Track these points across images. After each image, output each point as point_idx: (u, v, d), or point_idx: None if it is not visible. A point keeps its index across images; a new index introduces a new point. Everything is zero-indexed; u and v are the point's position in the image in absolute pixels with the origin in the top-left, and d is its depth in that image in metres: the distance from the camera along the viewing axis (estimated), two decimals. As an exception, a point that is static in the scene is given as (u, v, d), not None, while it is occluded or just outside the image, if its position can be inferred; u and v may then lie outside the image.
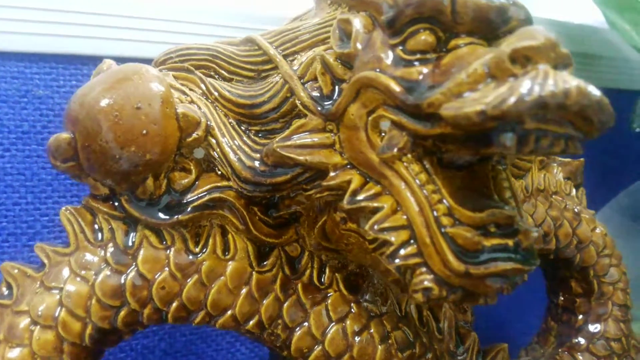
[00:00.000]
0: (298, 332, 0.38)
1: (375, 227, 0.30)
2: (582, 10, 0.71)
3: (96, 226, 0.36)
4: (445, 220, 0.29)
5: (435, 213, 0.29)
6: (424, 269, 0.29)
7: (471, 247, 0.28)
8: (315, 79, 0.34)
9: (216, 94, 0.36)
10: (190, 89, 0.37)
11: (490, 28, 0.29)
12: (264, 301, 0.37)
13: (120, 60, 0.37)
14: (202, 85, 0.37)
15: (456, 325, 0.44)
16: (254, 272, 0.37)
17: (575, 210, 0.47)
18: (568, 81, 0.24)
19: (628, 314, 0.47)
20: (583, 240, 0.46)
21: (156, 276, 0.35)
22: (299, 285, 0.38)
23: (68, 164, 0.33)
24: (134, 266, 0.35)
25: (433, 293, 0.29)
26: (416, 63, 0.29)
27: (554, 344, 0.48)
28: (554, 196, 0.46)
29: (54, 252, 0.35)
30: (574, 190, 0.48)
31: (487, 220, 0.29)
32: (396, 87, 0.29)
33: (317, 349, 0.37)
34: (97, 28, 0.50)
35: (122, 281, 0.35)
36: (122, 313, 0.35)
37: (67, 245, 0.35)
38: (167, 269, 0.35)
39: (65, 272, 0.35)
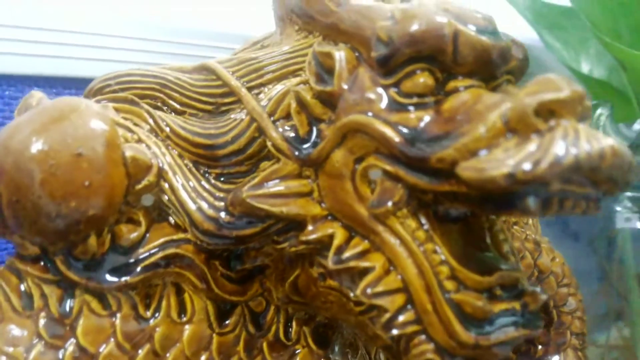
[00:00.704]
0: (264, 398, 0.33)
1: (368, 291, 0.27)
2: (518, 29, 0.71)
3: (24, 292, 0.29)
4: (449, 285, 0.26)
5: (438, 276, 0.26)
6: (423, 338, 0.26)
7: (480, 315, 0.25)
8: (286, 117, 0.30)
9: (168, 130, 0.31)
10: (136, 124, 0.31)
11: (490, 69, 0.26)
12: (227, 366, 0.32)
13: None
14: (150, 120, 0.31)
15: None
16: (214, 335, 0.32)
17: (535, 239, 0.46)
18: (601, 140, 0.22)
19: (585, 342, 0.47)
20: (544, 271, 0.45)
21: (100, 349, 0.29)
22: (264, 344, 0.34)
23: (-11, 222, 0.27)
24: (72, 339, 0.29)
25: (435, 365, 0.26)
26: (412, 107, 0.26)
27: (515, 376, 0.46)
28: (514, 227, 0.45)
29: (-31, 326, 0.29)
30: (530, 219, 0.47)
31: (495, 284, 0.26)
32: (394, 136, 0.25)
33: (287, 416, 0.33)
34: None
35: (60, 357, 0.29)
36: None
37: (-14, 317, 0.29)
38: (112, 339, 0.30)
39: (-15, 351, 0.28)
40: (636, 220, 0.62)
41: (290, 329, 0.35)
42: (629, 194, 0.60)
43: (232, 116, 0.31)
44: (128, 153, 0.28)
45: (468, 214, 0.28)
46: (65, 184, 0.26)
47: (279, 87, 0.31)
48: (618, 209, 0.63)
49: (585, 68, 0.68)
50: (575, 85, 0.23)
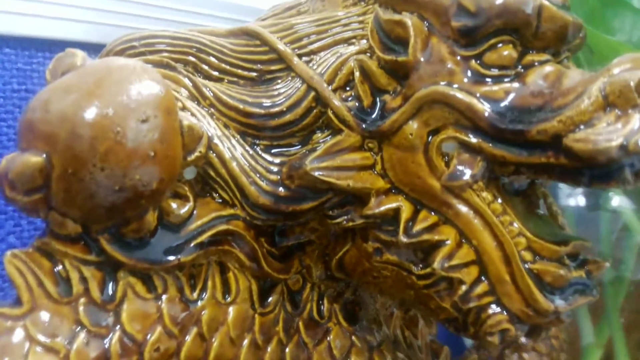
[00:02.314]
0: (302, 377, 0.32)
1: (445, 264, 0.27)
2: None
3: (59, 276, 0.26)
4: (526, 256, 0.26)
5: (516, 247, 0.26)
6: (497, 309, 0.27)
7: (559, 283, 0.26)
8: (343, 87, 0.29)
9: (212, 97, 0.29)
10: (174, 90, 0.29)
11: (562, 45, 0.27)
12: (268, 347, 0.31)
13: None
14: (191, 86, 0.29)
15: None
16: (256, 315, 0.30)
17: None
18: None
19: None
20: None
21: (148, 336, 0.27)
22: (300, 323, 0.33)
23: (33, 197, 0.24)
24: (118, 326, 0.26)
25: (509, 334, 0.27)
26: (492, 80, 0.26)
27: (501, 345, 0.49)
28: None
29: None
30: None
31: (567, 253, 0.27)
32: (483, 109, 0.25)
33: (324, 392, 0.33)
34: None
35: (105, 347, 0.26)
36: None
37: (18, 303, 0.25)
38: (159, 324, 0.27)
39: (20, 342, 0.25)
40: (578, 196, 0.64)
41: (322, 307, 0.34)
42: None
43: (283, 84, 0.29)
44: (185, 121, 0.26)
45: (525, 185, 0.29)
46: (130, 154, 0.23)
47: (331, 56, 0.29)
48: (560, 184, 0.66)
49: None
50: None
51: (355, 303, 0.35)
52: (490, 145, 0.26)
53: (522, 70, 0.26)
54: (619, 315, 0.56)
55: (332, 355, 0.33)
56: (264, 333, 0.31)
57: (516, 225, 0.27)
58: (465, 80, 0.26)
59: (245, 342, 0.30)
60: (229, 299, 0.29)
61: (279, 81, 0.30)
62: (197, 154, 0.27)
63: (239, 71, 0.30)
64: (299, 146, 0.29)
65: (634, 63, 0.24)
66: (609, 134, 0.22)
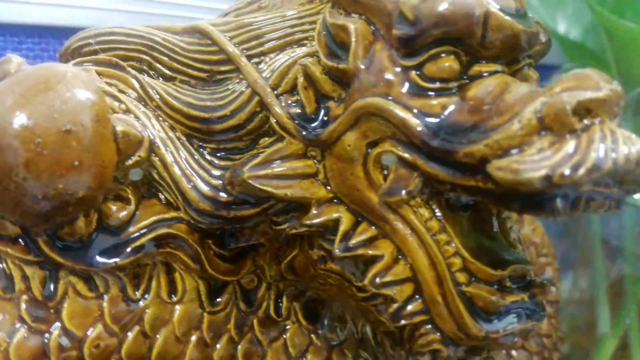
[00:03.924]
0: (254, 374, 0.33)
1: (377, 280, 0.26)
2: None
3: (3, 273, 0.27)
4: (461, 277, 0.25)
5: (450, 269, 0.25)
6: (429, 327, 0.26)
7: (492, 309, 0.25)
8: (291, 92, 0.28)
9: (158, 99, 0.28)
10: (121, 91, 0.29)
11: (516, 54, 0.25)
12: (217, 345, 0.31)
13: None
14: (138, 87, 0.29)
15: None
16: (205, 314, 0.31)
17: (516, 209, 0.46)
18: (636, 144, 0.21)
19: (558, 309, 0.48)
20: (524, 242, 0.45)
21: (88, 332, 0.28)
22: (255, 321, 0.33)
23: (-37, 203, 0.24)
24: (57, 323, 0.27)
25: (441, 355, 0.26)
26: (433, 93, 0.25)
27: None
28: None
29: (-58, 311, 0.26)
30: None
31: (506, 276, 0.25)
32: (417, 125, 0.24)
33: (276, 390, 0.33)
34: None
35: (45, 342, 0.27)
36: None
37: (-39, 301, 0.27)
38: (100, 322, 0.28)
39: (-38, 337, 0.26)
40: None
41: (280, 305, 0.34)
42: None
43: (230, 87, 0.29)
44: (119, 127, 0.26)
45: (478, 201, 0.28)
46: (52, 164, 0.24)
47: (282, 58, 0.28)
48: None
49: (561, 28, 0.68)
50: (613, 84, 0.22)
51: (317, 301, 0.35)
52: (424, 162, 0.24)
53: (468, 82, 0.25)
54: (637, 308, 0.55)
55: (287, 353, 0.34)
56: (213, 331, 0.31)
57: (453, 244, 0.26)
58: (404, 92, 0.25)
59: (193, 339, 0.31)
60: (175, 299, 0.30)
61: (229, 83, 0.29)
62: (136, 158, 0.27)
63: (190, 71, 0.29)
64: (246, 150, 0.29)
65: (577, 82, 0.22)
66: (534, 163, 0.21)
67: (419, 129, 0.24)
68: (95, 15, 0.42)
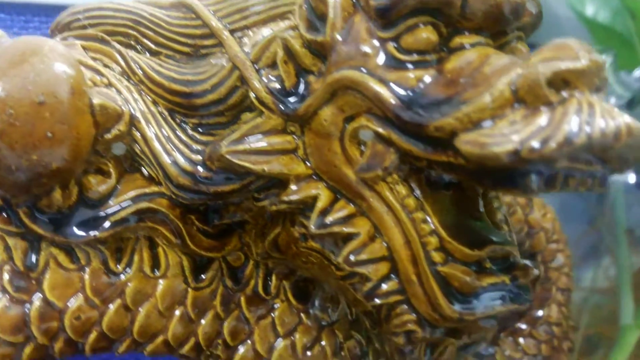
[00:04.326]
0: (241, 351, 0.33)
1: (351, 258, 0.26)
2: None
3: (-16, 244, 0.28)
4: (436, 257, 0.24)
5: (425, 247, 0.24)
6: (405, 307, 0.25)
7: (467, 290, 0.24)
8: (271, 66, 0.27)
9: (141, 73, 0.28)
10: (106, 65, 0.29)
11: (500, 25, 0.24)
12: (202, 321, 0.31)
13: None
14: (122, 61, 0.29)
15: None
16: (189, 289, 0.31)
17: (525, 194, 0.44)
18: (616, 117, 0.20)
19: (569, 297, 0.46)
20: (534, 227, 0.44)
21: (68, 303, 0.28)
22: (242, 298, 0.33)
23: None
24: (38, 293, 0.28)
25: (416, 336, 0.25)
26: (411, 65, 0.24)
27: (496, 328, 0.47)
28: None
29: None
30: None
31: (485, 257, 0.25)
32: (390, 98, 0.23)
33: (263, 368, 0.33)
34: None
35: (26, 311, 0.27)
36: (28, 350, 0.28)
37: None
38: (81, 294, 0.28)
39: (-55, 305, 0.27)
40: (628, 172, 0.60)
41: (269, 283, 0.33)
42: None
43: (212, 61, 0.28)
44: (96, 100, 0.26)
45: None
46: (25, 135, 0.24)
47: (265, 32, 0.28)
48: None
49: (589, 10, 0.65)
50: (593, 54, 0.21)
51: (309, 281, 0.35)
52: (399, 137, 0.24)
53: (448, 54, 0.24)
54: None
55: (275, 332, 0.33)
56: (198, 307, 0.31)
57: (431, 223, 0.25)
58: (380, 64, 0.24)
59: (176, 314, 0.31)
60: (157, 273, 0.30)
61: (211, 58, 0.29)
62: (115, 131, 0.27)
63: (175, 45, 0.29)
64: (228, 126, 0.28)
65: (555, 52, 0.21)
66: (502, 137, 0.20)
67: (392, 101, 0.23)
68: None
